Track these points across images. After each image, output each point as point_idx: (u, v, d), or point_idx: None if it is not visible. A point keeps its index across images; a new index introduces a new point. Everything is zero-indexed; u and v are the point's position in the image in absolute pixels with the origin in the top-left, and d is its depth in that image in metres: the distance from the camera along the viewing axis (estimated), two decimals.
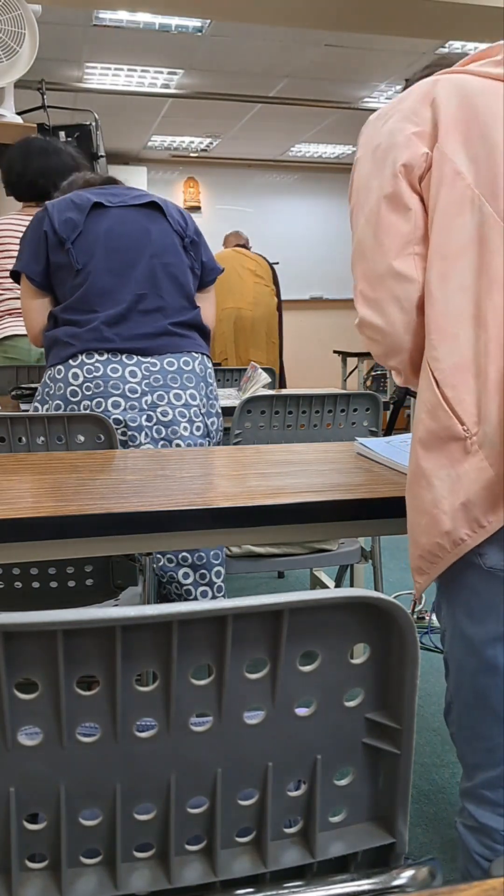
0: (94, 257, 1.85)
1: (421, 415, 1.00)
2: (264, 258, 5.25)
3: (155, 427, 1.84)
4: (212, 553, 1.90)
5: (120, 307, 1.85)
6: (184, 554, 1.88)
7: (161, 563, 1.87)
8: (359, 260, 1.07)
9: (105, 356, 1.84)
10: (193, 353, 1.93)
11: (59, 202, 1.93)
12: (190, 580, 1.89)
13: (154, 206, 1.98)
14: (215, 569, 1.92)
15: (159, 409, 1.84)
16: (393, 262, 1.01)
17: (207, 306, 2.06)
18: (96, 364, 1.83)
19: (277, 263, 5.37)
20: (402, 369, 1.09)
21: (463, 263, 0.97)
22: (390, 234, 1.02)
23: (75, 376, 1.84)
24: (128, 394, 1.83)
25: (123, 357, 1.85)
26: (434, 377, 0.97)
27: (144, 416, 1.84)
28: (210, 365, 2.01)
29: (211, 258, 2.07)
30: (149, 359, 1.87)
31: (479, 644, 0.99)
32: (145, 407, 1.85)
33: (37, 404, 1.93)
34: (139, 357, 1.86)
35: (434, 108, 1.01)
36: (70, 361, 1.84)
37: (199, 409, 1.91)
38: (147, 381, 1.85)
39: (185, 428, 1.87)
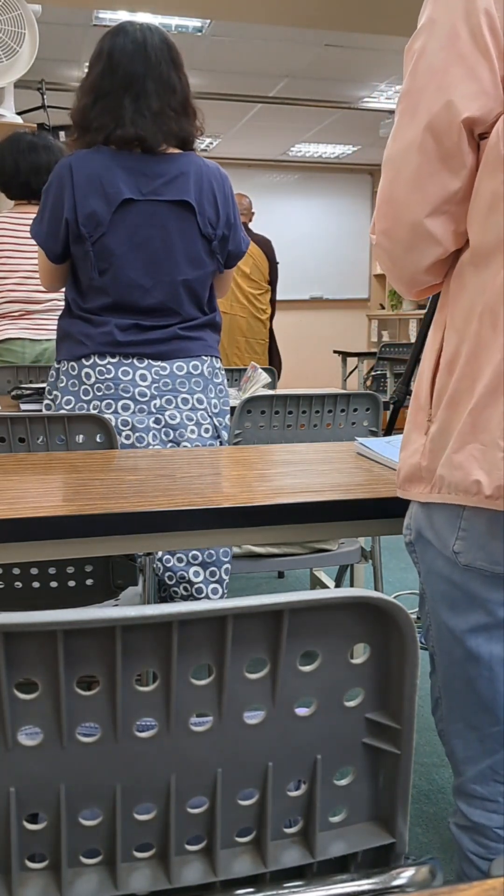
0: (113, 266, 1.82)
1: (422, 367, 1.03)
2: (266, 254, 5.21)
3: (163, 430, 1.87)
4: (221, 550, 1.92)
5: (134, 317, 1.86)
6: (194, 552, 1.88)
7: (171, 564, 1.87)
8: (392, 177, 0.94)
9: (117, 358, 1.85)
10: (203, 357, 1.94)
11: (87, 174, 1.79)
12: (200, 578, 1.89)
13: (186, 206, 1.86)
14: (224, 566, 1.93)
15: (167, 413, 1.87)
16: (425, 219, 0.91)
17: (223, 282, 2.04)
18: (108, 366, 1.85)
19: (277, 263, 5.36)
20: (403, 294, 1.07)
21: (488, 265, 0.90)
22: (434, 183, 0.90)
23: (87, 376, 1.86)
24: (137, 397, 1.85)
25: (135, 360, 1.86)
26: (438, 355, 0.98)
27: (153, 419, 1.86)
28: (219, 365, 2.01)
29: (237, 244, 1.98)
30: (159, 363, 1.88)
31: (460, 634, 0.99)
32: (154, 410, 1.87)
33: (48, 401, 1.95)
34: (150, 360, 1.87)
35: None
36: (83, 360, 1.86)
37: (207, 412, 1.93)
38: (157, 384, 1.87)
39: (193, 431, 1.89)
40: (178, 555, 1.87)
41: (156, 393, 1.86)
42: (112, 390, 1.84)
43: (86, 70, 1.94)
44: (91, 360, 1.85)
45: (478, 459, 0.90)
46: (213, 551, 1.90)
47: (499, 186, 0.86)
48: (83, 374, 1.86)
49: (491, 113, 0.84)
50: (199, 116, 1.99)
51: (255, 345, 5.24)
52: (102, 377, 1.84)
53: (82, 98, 1.88)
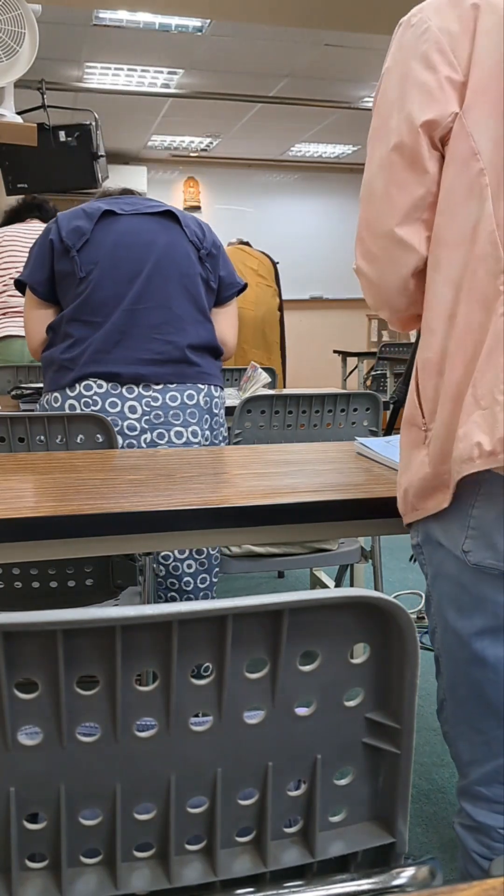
0: (99, 265, 1.78)
1: (410, 390, 1.05)
2: (267, 256, 5.24)
3: None
4: (199, 578, 1.91)
5: (122, 318, 1.78)
6: (171, 580, 1.87)
7: (170, 561, 1.87)
8: (366, 202, 1.02)
9: (104, 388, 1.75)
10: (199, 385, 1.84)
11: (70, 212, 1.88)
12: (192, 570, 1.89)
13: (169, 215, 1.89)
14: (202, 593, 1.91)
15: (159, 448, 1.79)
16: (396, 227, 0.97)
17: (226, 323, 1.97)
18: (94, 397, 1.75)
19: (277, 263, 5.37)
20: (392, 322, 1.11)
21: (455, 257, 0.93)
22: (401, 193, 0.96)
23: (72, 408, 1.77)
24: (126, 431, 1.77)
25: (123, 390, 1.76)
26: (417, 362, 1.02)
27: None
28: (217, 394, 1.91)
29: (231, 273, 1.95)
30: (150, 392, 1.77)
31: (467, 637, 0.99)
32: (144, 445, 1.78)
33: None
34: (140, 390, 1.77)
35: (473, 46, 0.90)
36: (67, 391, 1.77)
37: (202, 444, 1.85)
38: (147, 417, 1.77)
39: None
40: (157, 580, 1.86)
41: (146, 426, 1.77)
42: None
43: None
44: (76, 390, 1.76)
45: (479, 424, 0.91)
46: (190, 579, 1.88)
47: (472, 177, 0.91)
48: (67, 406, 1.77)
49: (444, 113, 0.92)
50: None
51: (272, 344, 5.23)
52: (88, 409, 1.75)
53: None
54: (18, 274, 1.96)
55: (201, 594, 1.90)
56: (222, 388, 1.96)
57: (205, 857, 0.68)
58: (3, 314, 2.90)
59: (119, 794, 0.63)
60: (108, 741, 0.61)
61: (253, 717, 0.65)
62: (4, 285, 2.87)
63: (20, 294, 2.89)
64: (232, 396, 2.64)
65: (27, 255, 1.93)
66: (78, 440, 1.73)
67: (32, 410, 2.22)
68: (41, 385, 2.47)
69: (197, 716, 0.63)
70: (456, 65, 0.92)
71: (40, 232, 1.92)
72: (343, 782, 0.70)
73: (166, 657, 0.60)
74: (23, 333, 2.91)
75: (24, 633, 0.57)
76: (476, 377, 0.92)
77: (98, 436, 1.72)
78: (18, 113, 3.34)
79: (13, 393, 2.49)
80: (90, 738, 0.61)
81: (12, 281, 2.94)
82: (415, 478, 1.01)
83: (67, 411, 1.80)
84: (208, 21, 4.50)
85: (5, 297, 2.87)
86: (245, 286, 2.03)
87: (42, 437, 1.73)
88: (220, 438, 1.95)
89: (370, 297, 1.08)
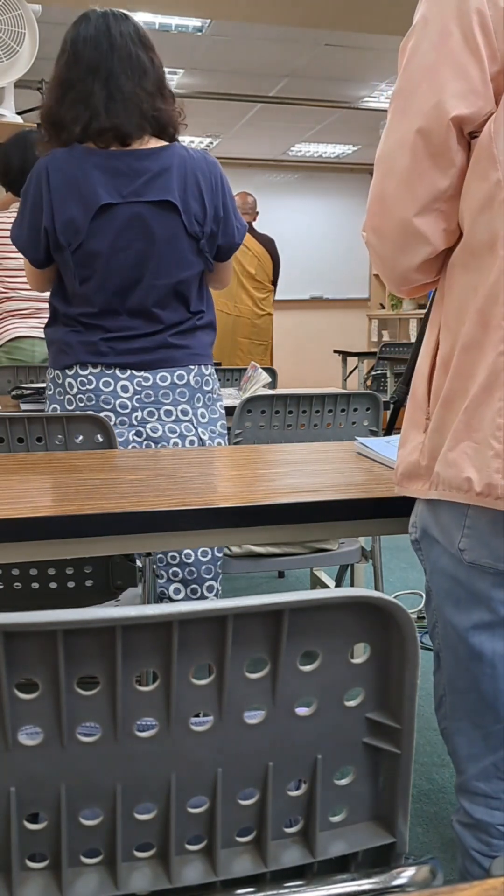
0: (96, 273, 1.77)
1: (419, 366, 1.04)
2: (268, 241, 5.20)
3: (144, 442, 1.83)
4: (203, 568, 1.88)
5: (118, 322, 1.81)
6: (174, 569, 1.87)
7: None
8: (383, 174, 0.95)
9: (99, 368, 1.81)
10: (189, 366, 1.87)
11: (63, 179, 1.72)
12: (181, 596, 1.88)
13: (170, 206, 1.77)
14: (207, 583, 1.90)
15: (149, 426, 1.83)
16: (415, 218, 0.92)
17: (222, 273, 1.95)
18: (89, 377, 1.81)
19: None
20: (397, 292, 1.09)
21: (479, 263, 0.91)
22: (423, 183, 0.91)
23: (70, 386, 1.84)
24: (118, 409, 1.81)
25: (117, 370, 1.82)
26: (434, 353, 1.00)
27: (133, 432, 1.82)
28: (209, 371, 1.93)
29: (230, 237, 1.87)
30: (142, 373, 1.83)
31: (464, 632, 1.00)
32: (135, 423, 1.83)
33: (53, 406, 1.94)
34: (132, 371, 1.82)
35: None
36: (66, 370, 1.84)
37: (193, 423, 1.88)
38: (138, 396, 1.82)
39: (176, 443, 1.84)
40: (160, 571, 1.86)
41: (137, 405, 1.82)
42: (93, 401, 1.80)
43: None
44: (73, 370, 1.82)
45: (470, 457, 0.91)
46: (193, 567, 1.87)
47: (490, 186, 0.87)
48: (66, 383, 1.84)
49: (480, 111, 0.86)
50: (179, 103, 1.86)
51: (258, 346, 5.24)
52: (84, 388, 1.81)
53: (50, 95, 1.80)
54: (24, 276, 1.94)
55: (206, 584, 1.90)
56: (211, 365, 1.95)
57: (205, 857, 0.68)
58: (13, 315, 2.90)
59: (119, 794, 0.63)
60: (109, 741, 0.61)
61: (253, 717, 0.65)
62: (12, 290, 2.87)
63: (30, 298, 2.87)
64: (232, 396, 2.64)
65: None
66: (77, 440, 1.73)
67: (33, 411, 2.22)
68: (42, 385, 2.48)
69: (197, 716, 0.63)
70: (497, 51, 0.84)
71: None
72: (343, 782, 0.70)
73: (166, 657, 0.60)
74: (33, 334, 2.91)
75: (24, 633, 0.57)
76: (471, 403, 0.90)
77: (97, 436, 1.72)
78: (18, 113, 3.34)
79: (13, 393, 2.49)
80: (90, 738, 0.61)
81: (18, 283, 2.92)
82: (407, 458, 1.03)
83: (67, 408, 1.83)
84: (208, 21, 4.50)
85: (15, 302, 2.87)
86: (238, 245, 1.93)
87: (41, 438, 1.73)
88: (217, 415, 1.96)
89: (377, 266, 1.05)
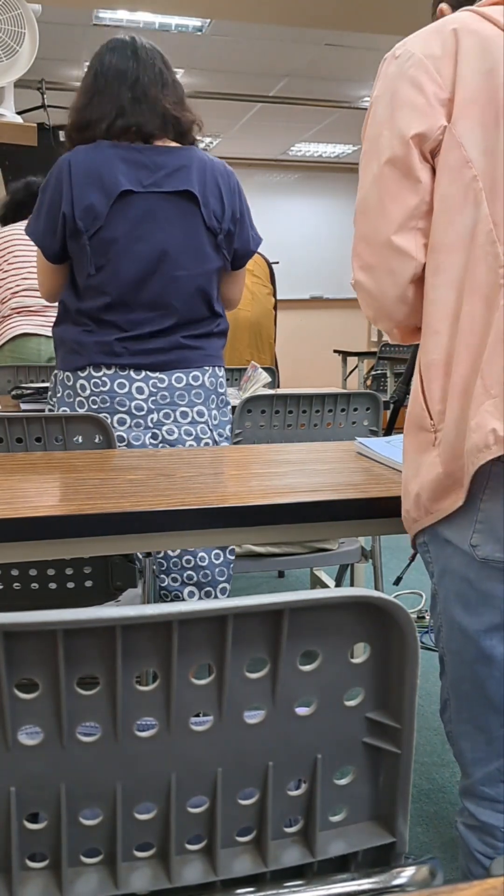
0: (111, 261, 1.75)
1: (412, 394, 1.06)
2: (262, 256, 5.24)
3: (160, 445, 1.81)
4: (216, 570, 1.87)
5: (131, 317, 1.78)
6: (189, 572, 1.85)
7: (166, 583, 1.85)
8: (361, 217, 1.05)
9: (113, 370, 1.78)
10: (204, 367, 1.86)
11: (85, 168, 1.75)
12: (195, 599, 1.86)
13: (189, 197, 1.79)
14: (220, 586, 1.89)
15: (165, 428, 1.80)
16: (393, 236, 1.00)
17: (233, 285, 1.96)
18: (103, 378, 1.78)
19: (277, 263, 5.36)
20: (392, 334, 1.13)
21: (455, 260, 0.97)
22: (396, 203, 1.00)
23: (83, 388, 1.80)
24: (133, 411, 1.78)
25: (131, 371, 1.79)
26: (420, 365, 1.03)
27: (149, 435, 1.79)
28: (221, 374, 1.93)
29: (245, 243, 1.91)
30: (157, 374, 1.80)
31: (475, 634, 0.99)
32: (151, 425, 1.80)
33: (49, 407, 1.92)
34: (147, 372, 1.80)
35: (456, 66, 0.97)
36: (78, 372, 1.80)
37: (208, 425, 1.86)
38: (154, 398, 1.80)
39: (192, 446, 1.82)
40: (173, 574, 1.85)
41: (153, 407, 1.79)
42: (108, 403, 1.77)
43: (86, 70, 1.91)
44: (86, 372, 1.79)
45: (491, 412, 0.93)
46: (207, 570, 1.86)
47: (449, 190, 0.96)
48: (78, 385, 1.80)
49: (433, 127, 0.97)
50: (198, 117, 1.96)
51: (266, 344, 5.22)
52: (98, 389, 1.78)
53: (77, 102, 1.87)
54: (30, 274, 1.91)
55: (220, 587, 1.89)
56: (223, 368, 1.96)
57: (205, 857, 0.68)
58: (18, 313, 2.88)
59: (119, 794, 0.63)
60: (109, 741, 0.61)
61: (253, 717, 0.65)
62: (18, 286, 2.84)
63: (35, 294, 2.83)
64: (232, 396, 2.64)
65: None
66: (76, 441, 1.73)
67: (33, 411, 2.22)
68: (42, 385, 2.47)
69: (197, 716, 0.63)
70: (441, 83, 0.97)
71: None
72: (343, 782, 0.70)
73: (166, 657, 0.60)
74: (39, 332, 2.86)
75: (24, 633, 0.57)
76: (484, 369, 0.94)
77: (97, 436, 1.72)
78: (18, 113, 3.34)
79: (13, 393, 2.49)
80: (90, 738, 0.61)
81: (25, 281, 2.89)
82: (426, 480, 1.02)
83: (78, 411, 1.80)
84: (208, 21, 4.50)
85: (20, 298, 2.85)
86: (253, 252, 1.98)
87: (40, 438, 1.73)
88: (227, 418, 1.96)
89: (370, 310, 1.10)
